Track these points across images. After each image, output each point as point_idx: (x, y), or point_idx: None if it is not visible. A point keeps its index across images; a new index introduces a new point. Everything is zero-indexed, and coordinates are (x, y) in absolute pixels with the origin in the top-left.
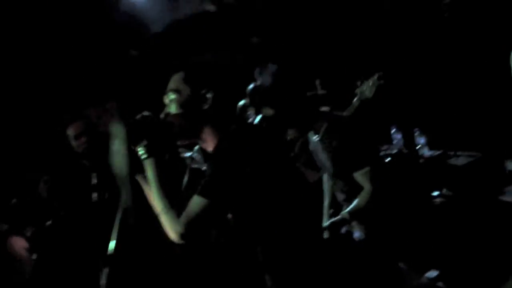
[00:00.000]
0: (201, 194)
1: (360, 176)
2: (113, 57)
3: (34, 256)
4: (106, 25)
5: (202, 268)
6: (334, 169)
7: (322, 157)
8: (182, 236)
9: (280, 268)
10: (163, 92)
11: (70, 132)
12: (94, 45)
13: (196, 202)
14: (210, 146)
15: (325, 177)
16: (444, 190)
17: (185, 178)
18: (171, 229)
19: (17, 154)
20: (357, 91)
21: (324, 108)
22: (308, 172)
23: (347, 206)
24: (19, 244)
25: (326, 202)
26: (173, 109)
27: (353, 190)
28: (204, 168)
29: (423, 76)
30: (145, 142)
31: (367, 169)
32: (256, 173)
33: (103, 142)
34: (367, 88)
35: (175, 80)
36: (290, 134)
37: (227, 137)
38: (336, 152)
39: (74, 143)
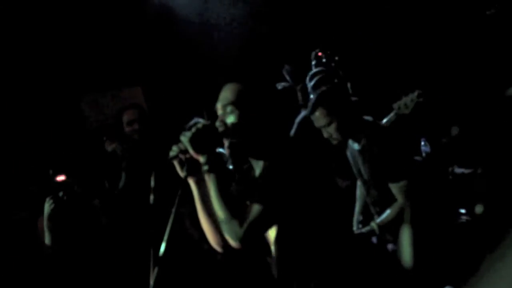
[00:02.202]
0: (262, 203)
1: (396, 188)
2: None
3: None
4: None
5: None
6: (371, 179)
7: (360, 165)
8: (242, 242)
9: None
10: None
11: (124, 118)
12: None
13: (256, 211)
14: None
15: (359, 184)
16: (477, 208)
17: None
18: (232, 237)
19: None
20: (395, 105)
21: (367, 117)
22: (338, 179)
23: (378, 216)
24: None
25: (356, 209)
26: (231, 119)
27: (386, 201)
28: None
29: (458, 89)
30: (207, 156)
31: (404, 182)
32: (308, 183)
33: (154, 132)
34: (406, 103)
35: (233, 92)
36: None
37: (284, 149)
38: (375, 162)
39: (127, 129)
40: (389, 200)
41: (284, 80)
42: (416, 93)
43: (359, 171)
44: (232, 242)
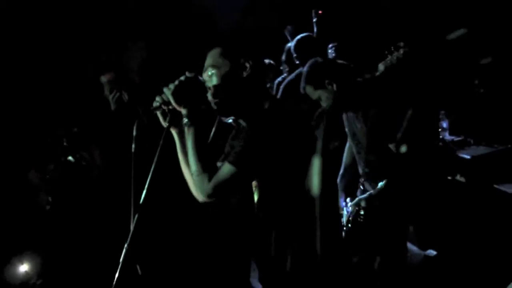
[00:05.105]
0: (233, 163)
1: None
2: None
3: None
4: None
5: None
6: (368, 141)
7: (356, 126)
8: (209, 197)
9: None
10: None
11: (104, 79)
12: None
13: (227, 169)
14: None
15: (348, 145)
16: (457, 176)
17: (213, 130)
18: (200, 190)
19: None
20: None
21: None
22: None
23: (368, 182)
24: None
25: (341, 170)
26: (213, 81)
27: (379, 166)
28: (229, 121)
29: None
30: (188, 109)
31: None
32: (285, 148)
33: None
34: (392, 58)
35: (213, 56)
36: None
37: (264, 112)
38: (373, 122)
39: (107, 91)
40: (384, 163)
41: (286, 41)
42: (401, 51)
43: (354, 133)
44: (198, 196)
